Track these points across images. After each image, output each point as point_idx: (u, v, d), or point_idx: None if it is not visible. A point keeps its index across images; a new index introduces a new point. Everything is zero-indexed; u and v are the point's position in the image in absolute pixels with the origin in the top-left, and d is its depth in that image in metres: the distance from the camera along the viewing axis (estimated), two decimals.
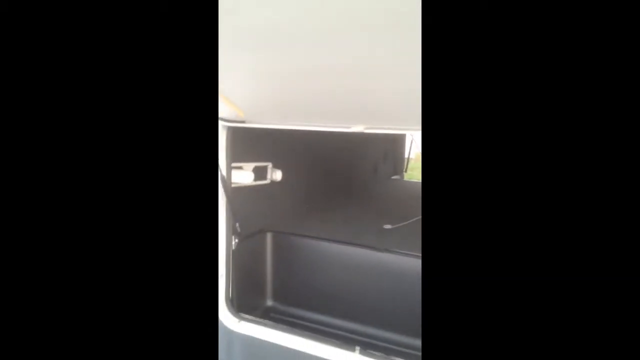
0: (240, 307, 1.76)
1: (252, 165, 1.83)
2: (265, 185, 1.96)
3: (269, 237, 2.06)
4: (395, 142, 5.02)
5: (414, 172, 5.95)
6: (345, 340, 1.83)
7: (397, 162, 5.15)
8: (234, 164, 1.65)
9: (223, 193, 1.60)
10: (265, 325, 1.68)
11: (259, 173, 1.88)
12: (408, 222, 2.38)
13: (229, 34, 0.98)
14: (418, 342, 1.85)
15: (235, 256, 1.73)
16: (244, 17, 0.90)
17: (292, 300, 2.09)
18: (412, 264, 1.87)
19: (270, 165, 1.98)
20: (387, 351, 1.63)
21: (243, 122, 1.47)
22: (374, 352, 1.50)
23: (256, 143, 1.89)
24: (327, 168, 2.82)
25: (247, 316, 1.72)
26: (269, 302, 2.11)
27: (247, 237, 1.83)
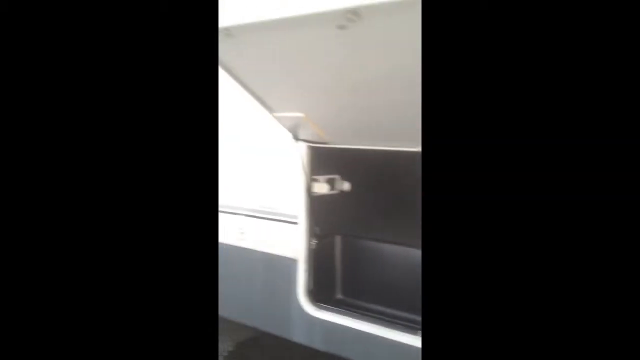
0: (316, 299, 2.08)
1: (325, 177, 2.17)
2: (334, 194, 2.28)
3: (337, 239, 2.38)
4: None
5: None
6: (406, 327, 2.10)
7: None
8: (312, 177, 1.99)
9: (305, 201, 1.94)
10: (340, 312, 1.99)
11: (330, 184, 2.21)
12: None
13: (322, 79, 1.32)
14: None
15: (312, 255, 2.06)
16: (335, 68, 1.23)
17: (358, 294, 2.39)
18: None
19: (338, 177, 2.30)
20: None
21: (325, 143, 1.82)
22: None
23: (328, 159, 2.22)
24: (383, 180, 3.12)
25: (324, 305, 2.04)
26: (339, 295, 2.41)
27: (320, 239, 2.16)
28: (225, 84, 1.53)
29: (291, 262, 2.03)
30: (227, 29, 1.12)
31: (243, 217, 2.14)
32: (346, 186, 2.27)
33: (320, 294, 2.15)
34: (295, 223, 1.99)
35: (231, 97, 2.03)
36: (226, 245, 2.20)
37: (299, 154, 1.81)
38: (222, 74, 1.38)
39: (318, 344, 2.05)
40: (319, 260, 2.13)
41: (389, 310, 2.32)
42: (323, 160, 2.14)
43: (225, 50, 1.26)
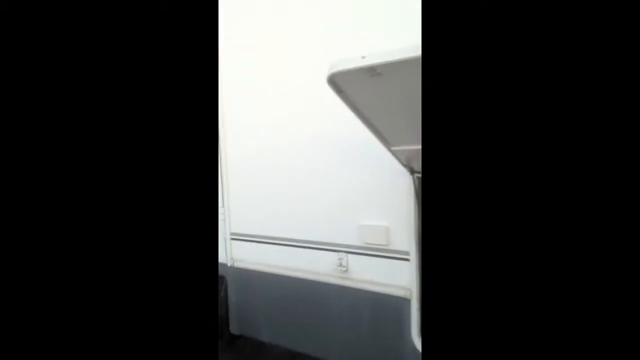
0: None
1: None
2: None
3: None
4: None
5: None
6: None
7: None
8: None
9: (417, 234, 1.81)
10: None
11: None
12: None
13: None
14: None
15: None
16: None
17: None
18: None
19: None
20: None
21: None
22: None
23: None
24: None
25: None
26: None
27: None
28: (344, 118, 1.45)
29: (402, 301, 1.89)
30: (373, 68, 1.03)
31: (345, 253, 2.04)
32: None
33: None
34: (405, 259, 1.86)
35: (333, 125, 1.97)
36: (328, 284, 2.10)
37: (412, 186, 1.69)
38: (343, 108, 1.30)
39: None
40: None
41: None
42: None
43: (354, 87, 1.18)
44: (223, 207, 2.55)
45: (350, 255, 2.03)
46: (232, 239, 2.53)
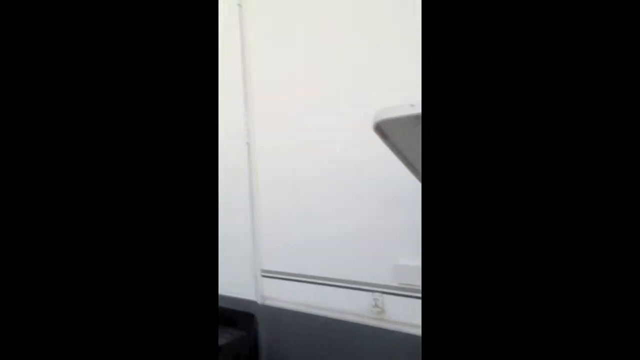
0: None
1: None
2: None
3: None
4: None
5: None
6: None
7: None
8: None
9: None
10: None
11: None
12: None
13: None
14: None
15: None
16: None
17: None
18: None
19: None
20: None
21: None
22: None
23: None
24: None
25: None
26: None
27: None
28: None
29: None
30: (419, 117, 1.03)
31: (380, 293, 1.99)
32: None
33: None
34: None
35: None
36: (363, 325, 2.05)
37: None
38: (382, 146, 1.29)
39: None
40: None
41: None
42: None
43: (401, 134, 1.18)
44: (253, 243, 2.55)
45: (385, 296, 1.98)
46: (263, 276, 2.51)
